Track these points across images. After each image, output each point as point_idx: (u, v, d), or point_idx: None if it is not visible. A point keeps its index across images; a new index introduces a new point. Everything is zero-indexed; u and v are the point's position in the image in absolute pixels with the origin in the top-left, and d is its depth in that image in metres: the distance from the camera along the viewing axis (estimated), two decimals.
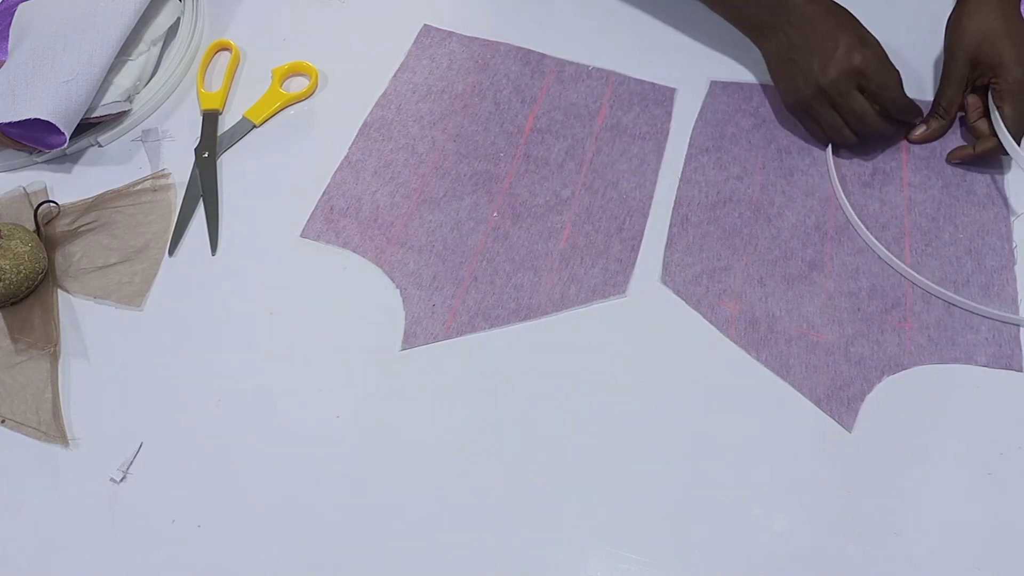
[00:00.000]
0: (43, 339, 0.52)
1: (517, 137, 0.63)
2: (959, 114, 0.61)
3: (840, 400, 0.50)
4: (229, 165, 0.62)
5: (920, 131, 0.61)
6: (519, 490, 0.47)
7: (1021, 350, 0.51)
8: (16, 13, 0.64)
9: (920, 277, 0.54)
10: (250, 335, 0.53)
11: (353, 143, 0.62)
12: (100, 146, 0.63)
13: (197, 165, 0.61)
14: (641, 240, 0.57)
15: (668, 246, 0.56)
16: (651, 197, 0.59)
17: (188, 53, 0.68)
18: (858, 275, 0.55)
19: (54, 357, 0.52)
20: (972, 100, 0.60)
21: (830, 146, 0.61)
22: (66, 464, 0.48)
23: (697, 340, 0.52)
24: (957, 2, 0.61)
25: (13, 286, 0.53)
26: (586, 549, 0.45)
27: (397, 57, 0.68)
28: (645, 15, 0.70)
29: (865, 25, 0.58)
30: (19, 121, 0.57)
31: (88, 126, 0.62)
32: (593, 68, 0.67)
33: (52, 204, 0.58)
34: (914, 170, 0.60)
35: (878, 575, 0.44)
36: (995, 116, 0.57)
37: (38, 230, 0.57)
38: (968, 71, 0.59)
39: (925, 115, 0.61)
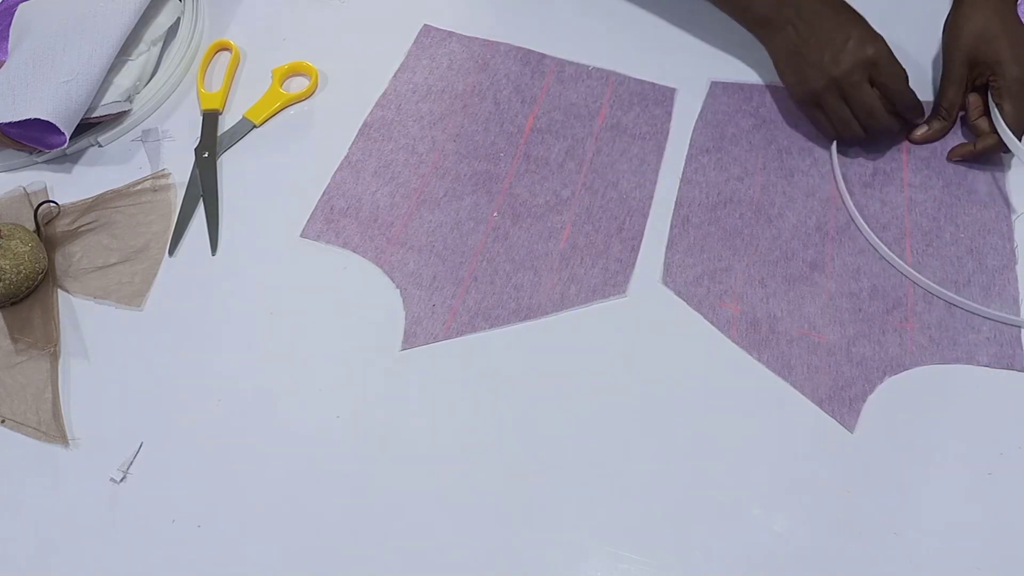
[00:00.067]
0: (43, 339, 0.52)
1: (517, 137, 0.63)
2: (959, 114, 0.61)
3: (842, 401, 0.50)
4: (229, 165, 0.62)
5: (922, 131, 0.61)
6: (519, 490, 0.47)
7: (1022, 350, 0.51)
8: (16, 13, 0.64)
9: (921, 277, 0.54)
10: (250, 335, 0.53)
11: (353, 143, 0.62)
12: (100, 146, 0.63)
13: (197, 165, 0.61)
14: (641, 240, 0.57)
15: (669, 247, 0.56)
16: (651, 197, 0.59)
17: (188, 53, 0.68)
18: (859, 275, 0.55)
19: (54, 357, 0.52)
20: (973, 99, 0.60)
21: (834, 145, 0.61)
22: (66, 464, 0.48)
23: (697, 340, 0.52)
24: (954, 3, 0.61)
25: (13, 286, 0.53)
26: (586, 549, 0.45)
27: (397, 57, 0.68)
28: (645, 15, 0.70)
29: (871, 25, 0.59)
30: (19, 121, 0.58)
31: (88, 126, 0.62)
32: (593, 68, 0.67)
33: (52, 204, 0.58)
34: (915, 170, 0.60)
35: (878, 575, 0.44)
36: (995, 113, 0.57)
37: (38, 230, 0.57)
38: (967, 71, 0.59)
39: (927, 114, 0.61)
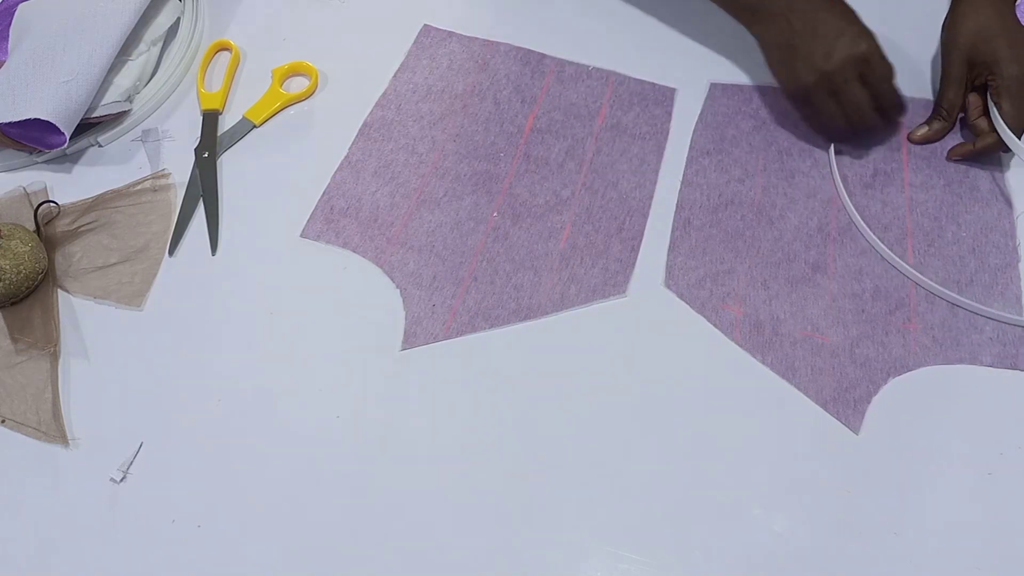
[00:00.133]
0: (43, 339, 0.52)
1: (517, 137, 0.62)
2: (959, 114, 0.61)
3: (846, 402, 0.50)
4: (229, 165, 0.62)
5: (922, 131, 0.61)
6: (519, 490, 0.47)
7: None
8: (16, 13, 0.64)
9: (923, 278, 0.54)
10: (250, 335, 0.53)
11: (353, 143, 0.62)
12: (100, 146, 0.63)
13: (197, 165, 0.61)
14: (641, 240, 0.57)
15: (671, 250, 0.56)
16: (651, 197, 0.59)
17: (188, 53, 0.68)
18: (861, 276, 0.55)
19: (54, 357, 0.52)
20: (972, 99, 0.60)
21: (832, 147, 0.61)
22: (66, 464, 0.48)
23: (696, 339, 0.52)
24: (952, 3, 0.61)
25: (13, 286, 0.53)
26: (586, 549, 0.45)
27: (397, 57, 0.68)
28: (645, 15, 0.70)
29: (868, 23, 0.58)
30: (19, 121, 0.57)
31: (88, 126, 0.62)
32: (593, 68, 0.67)
33: (52, 204, 0.58)
34: (915, 170, 0.60)
35: (878, 575, 0.44)
36: (994, 113, 0.57)
37: (38, 230, 0.57)
38: (966, 71, 0.59)
39: (908, 112, 0.60)
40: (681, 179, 0.60)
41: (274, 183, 0.61)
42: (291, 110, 0.65)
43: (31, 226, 0.57)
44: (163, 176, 0.60)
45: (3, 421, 0.50)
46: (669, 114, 0.64)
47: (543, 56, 0.68)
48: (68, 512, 0.47)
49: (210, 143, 0.62)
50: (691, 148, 0.62)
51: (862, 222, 0.57)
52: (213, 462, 0.48)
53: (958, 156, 0.60)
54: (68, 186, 0.61)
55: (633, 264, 0.56)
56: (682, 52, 0.67)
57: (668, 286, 0.55)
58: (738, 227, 0.57)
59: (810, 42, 0.56)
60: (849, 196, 0.58)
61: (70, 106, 0.58)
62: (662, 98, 0.65)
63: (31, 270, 0.53)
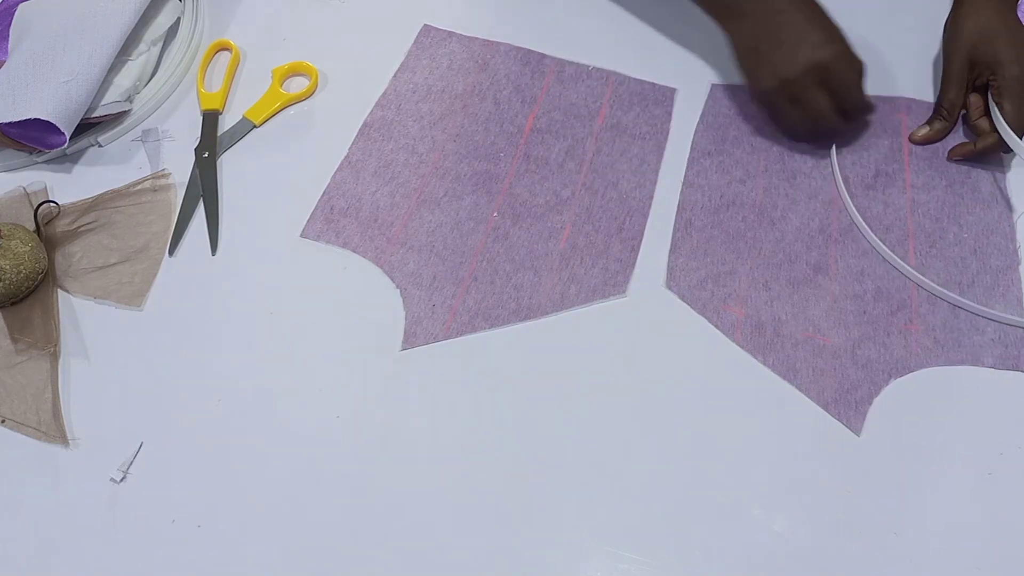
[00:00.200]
0: (43, 339, 0.52)
1: (517, 137, 0.62)
2: (960, 114, 0.61)
3: (848, 404, 0.49)
4: (229, 165, 0.62)
5: (923, 132, 0.61)
6: (519, 490, 0.47)
7: None
8: (16, 13, 0.64)
9: (924, 278, 0.54)
10: (250, 335, 0.53)
11: (353, 143, 0.62)
12: (100, 146, 0.63)
13: (197, 165, 0.61)
14: (641, 240, 0.57)
15: (672, 251, 0.56)
16: (651, 197, 0.59)
17: (188, 53, 0.68)
18: (863, 278, 0.55)
19: (54, 357, 0.52)
20: (974, 99, 0.60)
21: (833, 148, 0.61)
22: (66, 464, 0.48)
23: (696, 339, 0.52)
24: (953, 4, 0.61)
25: (13, 286, 0.53)
26: (586, 549, 0.45)
27: (397, 57, 0.68)
28: (645, 15, 0.70)
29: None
30: (19, 121, 0.57)
31: (88, 126, 0.62)
32: (593, 68, 0.67)
33: (52, 204, 0.58)
34: (917, 171, 0.60)
35: (878, 575, 0.44)
36: (995, 112, 0.57)
37: (38, 230, 0.57)
38: (967, 71, 0.59)
39: (873, 113, 0.60)
40: (682, 180, 0.60)
41: (274, 183, 0.61)
42: (291, 110, 0.65)
43: (31, 226, 0.57)
44: (163, 176, 0.60)
45: (3, 421, 0.50)
46: (669, 114, 0.64)
47: (543, 56, 0.67)
48: (68, 512, 0.47)
49: (210, 143, 0.62)
50: (692, 149, 0.62)
51: (863, 223, 0.57)
52: (213, 462, 0.48)
53: (959, 156, 0.60)
54: (68, 186, 0.61)
55: (633, 264, 0.56)
56: (682, 52, 0.67)
57: (669, 287, 0.55)
58: (739, 228, 0.57)
59: (773, 47, 0.56)
60: (851, 197, 0.58)
61: (70, 106, 0.58)
62: (662, 98, 0.65)
63: (31, 270, 0.53)
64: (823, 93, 0.56)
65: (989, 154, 0.59)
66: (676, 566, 0.44)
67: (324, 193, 0.59)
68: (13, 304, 0.54)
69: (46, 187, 0.60)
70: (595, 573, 0.44)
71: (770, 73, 0.57)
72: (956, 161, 0.60)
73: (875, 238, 0.56)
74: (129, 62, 0.65)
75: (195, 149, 0.62)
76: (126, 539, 0.46)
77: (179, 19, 0.69)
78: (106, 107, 0.62)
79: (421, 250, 0.56)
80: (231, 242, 0.57)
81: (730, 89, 0.65)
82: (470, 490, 0.47)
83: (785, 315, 0.53)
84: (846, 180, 0.59)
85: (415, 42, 0.69)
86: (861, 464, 0.47)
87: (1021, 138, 0.56)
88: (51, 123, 0.57)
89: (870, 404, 0.49)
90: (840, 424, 0.49)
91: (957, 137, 0.62)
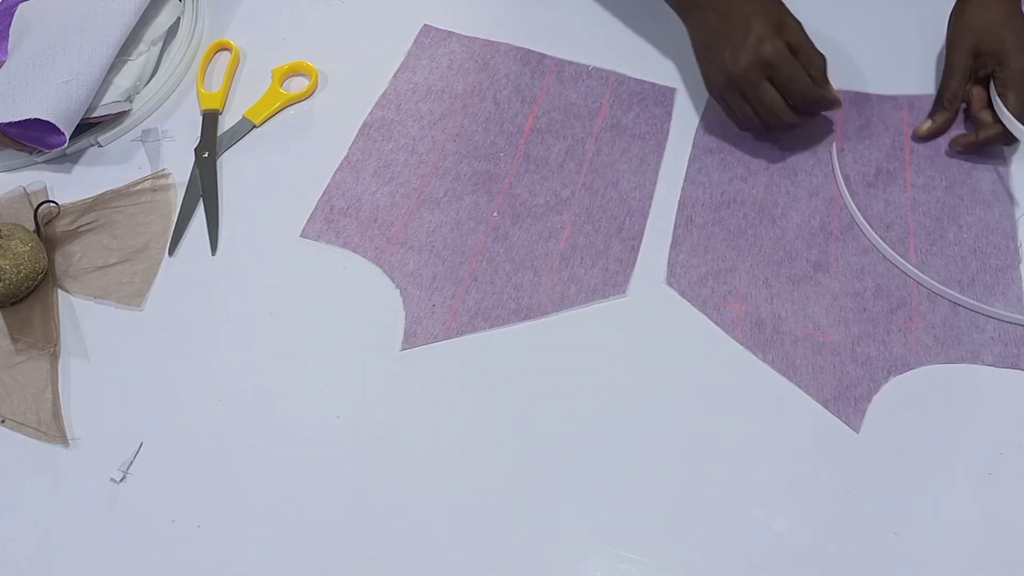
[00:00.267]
0: (43, 339, 0.52)
1: (517, 137, 0.62)
2: (962, 105, 0.61)
3: (847, 401, 0.49)
4: (229, 165, 0.62)
5: (927, 126, 0.61)
6: (519, 490, 0.47)
7: None
8: (16, 13, 0.64)
9: (925, 276, 0.54)
10: (250, 335, 0.53)
11: (353, 143, 0.62)
12: (100, 146, 0.63)
13: (197, 165, 0.61)
14: (641, 240, 0.57)
15: (673, 248, 0.56)
16: (651, 197, 0.59)
17: (188, 53, 0.68)
18: (863, 275, 0.55)
19: (54, 357, 0.52)
20: (977, 92, 0.60)
21: (834, 147, 0.61)
22: (66, 464, 0.48)
23: (697, 338, 0.52)
24: None
25: (13, 286, 0.53)
26: (586, 549, 0.45)
27: (397, 57, 0.68)
28: (645, 15, 0.70)
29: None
30: (19, 121, 0.58)
31: (88, 126, 0.62)
32: (593, 68, 0.67)
33: (52, 204, 0.58)
34: (918, 170, 0.60)
35: (878, 575, 0.44)
36: (998, 103, 0.57)
37: (38, 230, 0.57)
38: (971, 62, 0.59)
39: (836, 107, 0.60)
40: (684, 177, 0.60)
41: (274, 183, 0.61)
42: (291, 110, 0.65)
43: (31, 226, 0.57)
44: (163, 176, 0.60)
45: (3, 421, 0.50)
46: (669, 114, 0.64)
47: (543, 56, 0.67)
48: (68, 512, 0.47)
49: (210, 143, 0.62)
50: (694, 146, 0.62)
51: (863, 221, 0.57)
52: (213, 462, 0.48)
53: (960, 148, 0.60)
54: (68, 186, 0.61)
55: (633, 264, 0.56)
56: (682, 52, 0.67)
57: (670, 284, 0.55)
58: (740, 225, 0.57)
59: (721, 43, 0.57)
60: (851, 195, 0.58)
61: (70, 106, 0.58)
62: (662, 98, 0.65)
63: (31, 270, 0.53)
64: (771, 88, 0.56)
65: (991, 145, 0.59)
66: (676, 566, 0.44)
67: (324, 193, 0.59)
68: (13, 304, 0.54)
69: (46, 187, 0.60)
70: (595, 573, 0.44)
71: (719, 70, 0.57)
72: (957, 153, 0.60)
73: (875, 236, 0.56)
74: (129, 62, 0.65)
75: (195, 149, 0.62)
76: (126, 539, 0.46)
77: (179, 19, 0.69)
78: (106, 107, 0.62)
79: (421, 250, 0.56)
80: (231, 242, 0.57)
81: None
82: (470, 490, 0.47)
83: (785, 312, 0.53)
84: (847, 178, 0.59)
85: (415, 42, 0.69)
86: (861, 463, 0.47)
87: None
88: (51, 123, 0.57)
89: (869, 402, 0.49)
90: (840, 422, 0.49)
91: (959, 133, 0.62)
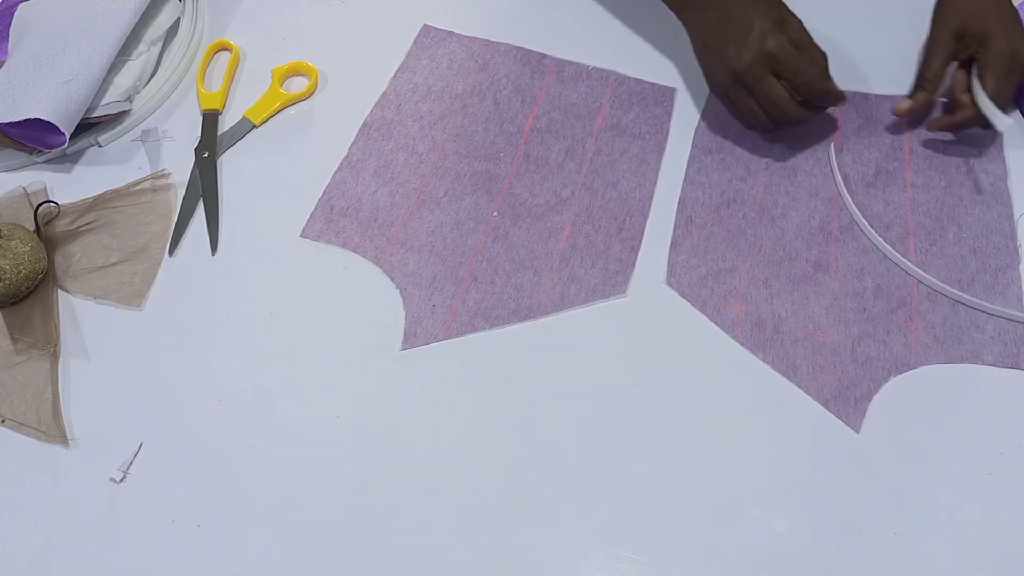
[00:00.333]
0: (43, 339, 0.52)
1: (517, 137, 0.62)
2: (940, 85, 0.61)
3: (847, 401, 0.49)
4: (229, 165, 0.62)
5: (906, 104, 0.61)
6: (519, 490, 0.47)
7: None
8: (16, 13, 0.64)
9: (925, 274, 0.54)
10: (250, 335, 0.53)
11: (353, 143, 0.62)
12: (100, 146, 0.63)
13: (197, 165, 0.61)
14: (641, 240, 0.57)
15: (673, 248, 0.56)
16: (651, 197, 0.59)
17: (188, 53, 0.68)
18: (863, 275, 0.55)
19: (54, 357, 0.52)
20: (959, 75, 0.60)
21: (832, 146, 0.61)
22: (66, 464, 0.48)
23: (697, 338, 0.52)
24: None
25: (13, 286, 0.53)
26: (586, 549, 0.45)
27: (397, 57, 0.68)
28: (645, 15, 0.70)
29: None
30: (19, 121, 0.58)
31: (88, 126, 0.62)
32: (593, 68, 0.67)
33: (52, 204, 0.58)
34: (917, 170, 0.60)
35: (878, 575, 0.44)
36: (976, 86, 0.57)
37: (38, 230, 0.57)
38: (954, 44, 0.59)
39: (842, 102, 0.60)
40: (683, 177, 0.60)
41: (274, 183, 0.61)
42: (291, 110, 0.65)
43: (31, 226, 0.57)
44: (163, 176, 0.60)
45: (3, 421, 0.50)
46: (669, 114, 0.64)
47: (543, 56, 0.67)
48: (68, 512, 0.47)
49: (210, 143, 0.62)
50: (693, 146, 0.62)
51: (863, 220, 0.57)
52: (213, 462, 0.48)
53: (938, 128, 0.60)
54: (68, 186, 0.61)
55: (633, 264, 0.56)
56: (682, 52, 0.67)
57: (670, 284, 0.55)
58: (740, 225, 0.57)
59: (724, 41, 0.56)
60: (851, 195, 0.58)
61: (70, 106, 0.58)
62: (662, 98, 0.65)
63: (31, 270, 0.53)
64: (777, 83, 0.56)
65: (968, 127, 0.59)
66: (676, 566, 0.44)
67: (324, 193, 0.59)
68: (13, 304, 0.54)
69: (46, 187, 0.60)
70: (595, 573, 0.44)
71: (723, 67, 0.57)
72: (936, 133, 0.61)
73: (875, 235, 0.56)
74: (129, 62, 0.65)
75: (195, 149, 0.62)
76: (126, 539, 0.46)
77: (179, 19, 0.69)
78: (106, 107, 0.62)
79: (421, 250, 0.56)
80: (231, 242, 0.57)
81: None
82: (470, 490, 0.47)
83: (785, 312, 0.53)
84: (846, 178, 0.59)
85: (415, 42, 0.69)
86: (861, 462, 0.47)
87: (1004, 110, 0.56)
88: (51, 123, 0.57)
89: (869, 401, 0.49)
90: (840, 421, 0.49)
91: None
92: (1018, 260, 0.55)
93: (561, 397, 0.50)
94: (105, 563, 0.45)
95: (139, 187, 0.60)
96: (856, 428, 0.49)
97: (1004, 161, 0.60)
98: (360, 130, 0.63)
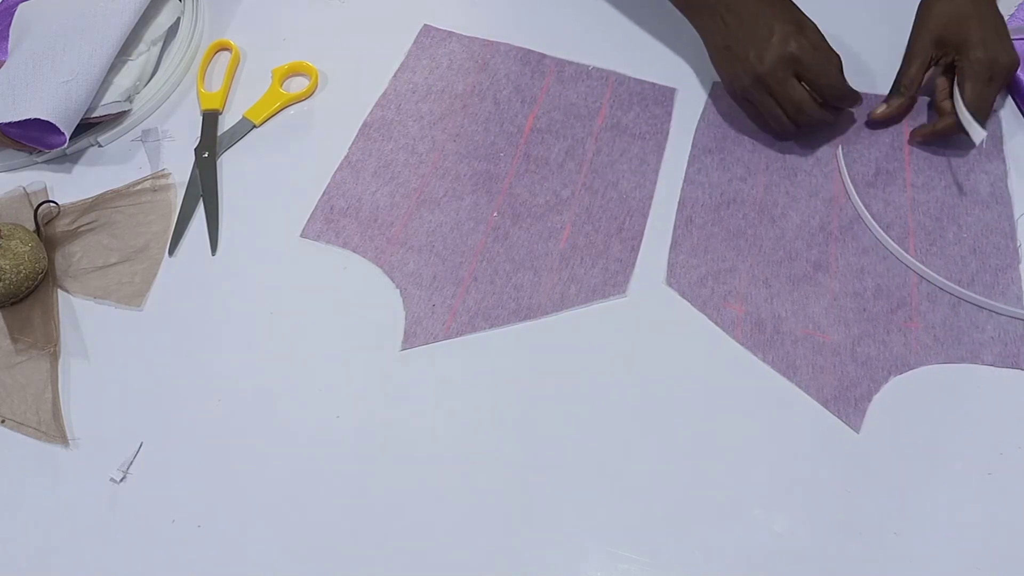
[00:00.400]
0: (43, 339, 0.52)
1: (517, 137, 0.62)
2: (917, 91, 0.61)
3: (847, 401, 0.49)
4: (229, 165, 0.62)
5: (881, 110, 0.61)
6: (519, 490, 0.47)
7: None
8: (16, 13, 0.64)
9: (927, 269, 0.54)
10: (250, 335, 0.53)
11: (353, 143, 0.62)
12: (100, 146, 0.63)
13: (197, 165, 0.61)
14: (641, 240, 0.57)
15: (673, 248, 0.56)
16: (651, 197, 0.59)
17: (188, 53, 0.68)
18: (863, 275, 0.55)
19: (54, 357, 0.52)
20: (941, 82, 0.60)
21: (839, 148, 0.61)
22: (66, 464, 0.48)
23: (697, 338, 0.52)
24: None
25: (13, 286, 0.53)
26: (586, 549, 0.45)
27: (397, 57, 0.68)
28: (645, 15, 0.70)
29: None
30: (19, 121, 0.58)
31: (88, 126, 0.62)
32: (593, 68, 0.67)
33: (52, 204, 0.58)
34: (917, 170, 0.60)
35: (878, 575, 0.44)
36: (955, 93, 0.57)
37: (38, 230, 0.57)
38: (933, 50, 0.59)
39: (859, 102, 0.60)
40: (683, 177, 0.60)
41: (274, 183, 0.61)
42: (291, 110, 0.65)
43: (31, 226, 0.57)
44: (163, 176, 0.60)
45: (3, 421, 0.50)
46: (669, 114, 0.64)
47: (543, 56, 0.67)
48: (68, 512, 0.47)
49: (210, 143, 0.62)
50: (693, 146, 0.62)
51: (868, 215, 0.57)
52: (213, 462, 0.48)
53: (920, 138, 0.60)
54: (68, 186, 0.61)
55: (633, 264, 0.56)
56: (682, 52, 0.67)
57: (670, 284, 0.55)
58: (740, 225, 0.57)
59: (743, 44, 0.56)
60: (855, 193, 0.58)
61: (70, 106, 0.58)
62: (662, 98, 0.65)
63: (31, 270, 0.53)
64: (799, 84, 0.56)
65: (948, 135, 0.59)
66: (676, 566, 0.44)
67: (324, 193, 0.59)
68: (13, 304, 0.54)
69: (46, 187, 0.60)
70: (595, 573, 0.44)
71: (744, 71, 0.57)
72: (918, 144, 0.60)
73: (879, 230, 0.56)
74: (129, 62, 0.65)
75: (195, 149, 0.62)
76: (126, 539, 0.46)
77: (179, 19, 0.69)
78: (106, 107, 0.62)
79: (421, 250, 0.56)
80: (231, 242, 0.57)
81: None
82: (470, 490, 0.47)
83: (785, 312, 0.53)
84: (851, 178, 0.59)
85: (415, 42, 0.69)
86: (861, 462, 0.47)
87: (982, 120, 0.56)
88: (51, 123, 0.57)
89: (869, 401, 0.49)
90: (840, 421, 0.49)
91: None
92: (1018, 260, 0.55)
93: (561, 397, 0.50)
94: (105, 563, 0.45)
95: (139, 187, 0.60)
96: (856, 428, 0.49)
97: (1004, 161, 0.60)
98: (360, 130, 0.63)
